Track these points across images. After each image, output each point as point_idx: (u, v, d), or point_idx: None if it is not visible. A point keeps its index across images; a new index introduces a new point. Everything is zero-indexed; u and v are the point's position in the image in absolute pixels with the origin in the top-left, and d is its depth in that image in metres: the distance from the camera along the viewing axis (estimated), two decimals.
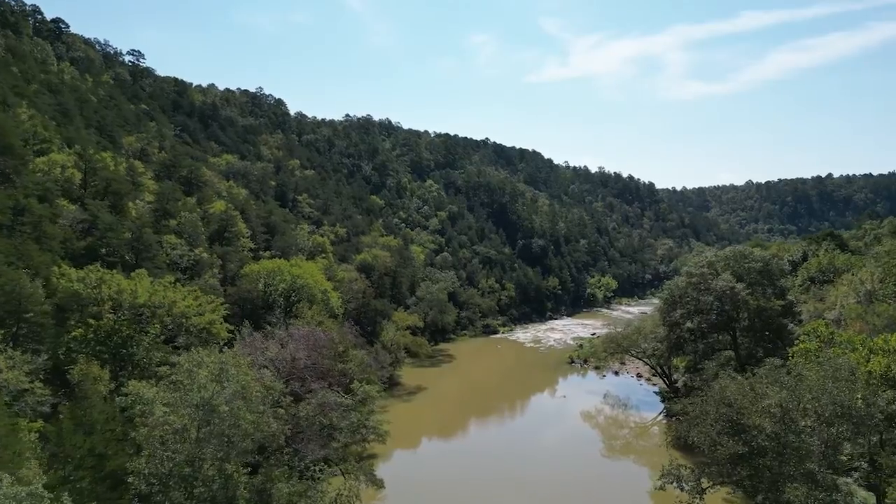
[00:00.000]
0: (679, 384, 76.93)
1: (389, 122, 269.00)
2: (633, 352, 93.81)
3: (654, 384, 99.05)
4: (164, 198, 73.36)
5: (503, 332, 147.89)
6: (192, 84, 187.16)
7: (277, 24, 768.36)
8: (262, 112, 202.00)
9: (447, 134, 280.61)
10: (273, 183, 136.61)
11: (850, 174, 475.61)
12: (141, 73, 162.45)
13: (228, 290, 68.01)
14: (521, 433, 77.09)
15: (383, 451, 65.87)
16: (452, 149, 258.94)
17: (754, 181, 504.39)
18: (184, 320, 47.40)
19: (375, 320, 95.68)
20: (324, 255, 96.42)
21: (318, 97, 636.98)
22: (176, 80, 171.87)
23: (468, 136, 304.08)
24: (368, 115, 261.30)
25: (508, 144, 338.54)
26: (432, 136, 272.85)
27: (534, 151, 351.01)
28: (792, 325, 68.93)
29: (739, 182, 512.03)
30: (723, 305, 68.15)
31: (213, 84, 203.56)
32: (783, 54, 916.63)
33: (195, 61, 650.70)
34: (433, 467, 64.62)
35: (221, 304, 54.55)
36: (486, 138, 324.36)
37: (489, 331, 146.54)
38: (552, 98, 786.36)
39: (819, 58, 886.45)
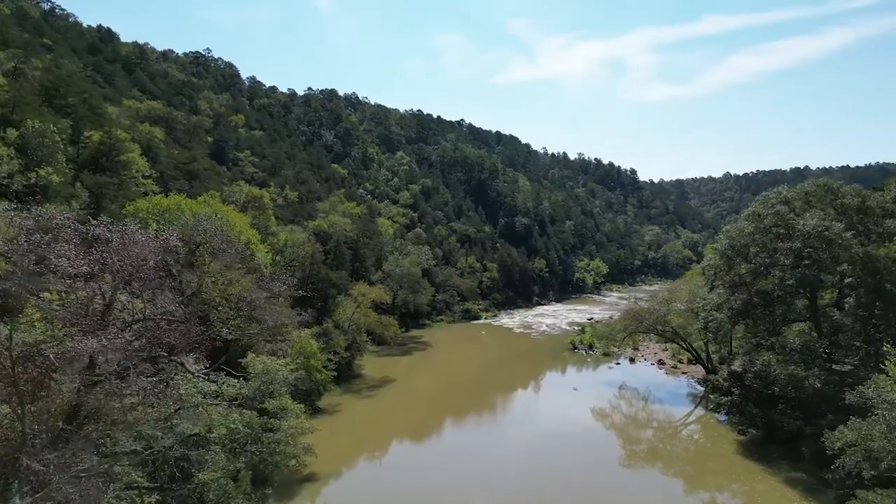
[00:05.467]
0: (738, 367, 56.51)
1: (356, 96, 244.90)
2: (659, 329, 73.70)
3: (685, 372, 78.88)
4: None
5: (486, 318, 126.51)
6: (126, 42, 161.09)
7: (241, 20, 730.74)
8: (208, 73, 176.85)
9: (420, 111, 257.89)
10: (209, 139, 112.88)
11: (828, 166, 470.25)
12: (55, 16, 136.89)
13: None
14: (516, 438, 55.75)
15: (329, 467, 44.43)
16: (425, 125, 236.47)
17: (732, 173, 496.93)
18: None
19: (328, 294, 73.34)
20: (258, 209, 73.37)
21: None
22: (101, 26, 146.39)
23: (442, 117, 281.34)
24: (333, 88, 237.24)
25: (485, 128, 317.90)
26: (403, 112, 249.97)
27: (511, 136, 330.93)
28: None
29: (717, 174, 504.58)
30: (816, 254, 47.53)
31: (150, 44, 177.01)
32: (745, 57, 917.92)
33: None
34: (399, 485, 43.15)
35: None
36: (462, 119, 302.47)
37: (470, 316, 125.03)
38: (520, 98, 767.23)
39: (780, 61, 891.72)
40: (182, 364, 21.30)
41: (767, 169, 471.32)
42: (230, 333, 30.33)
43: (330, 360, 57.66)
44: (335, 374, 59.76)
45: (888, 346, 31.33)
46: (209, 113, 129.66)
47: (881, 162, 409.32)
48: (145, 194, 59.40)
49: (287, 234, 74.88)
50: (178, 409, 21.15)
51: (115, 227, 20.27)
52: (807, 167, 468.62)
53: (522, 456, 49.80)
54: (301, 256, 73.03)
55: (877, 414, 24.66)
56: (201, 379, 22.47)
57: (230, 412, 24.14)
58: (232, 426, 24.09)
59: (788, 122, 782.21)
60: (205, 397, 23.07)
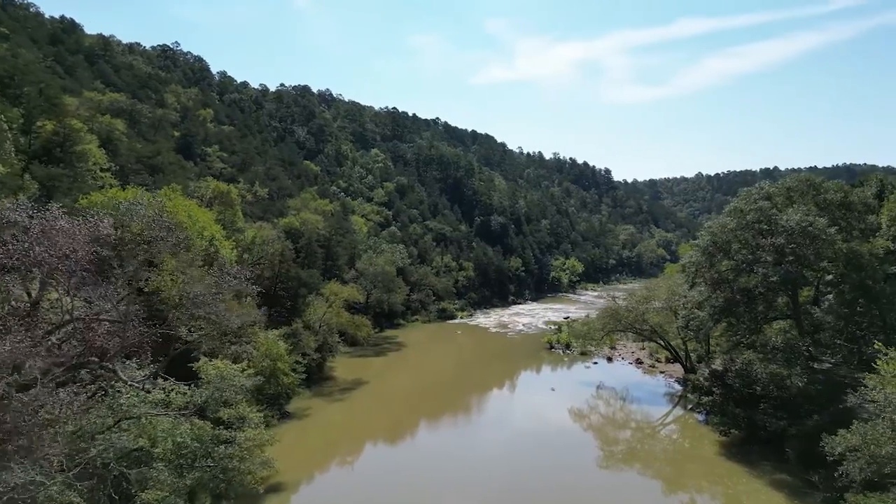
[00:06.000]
0: (718, 366, 55.37)
1: (330, 93, 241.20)
2: (637, 327, 72.58)
3: (663, 371, 77.94)
4: None
5: (462, 317, 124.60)
6: (90, 34, 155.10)
7: (216, 17, 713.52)
8: (176, 67, 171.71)
9: (395, 108, 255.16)
10: (176, 133, 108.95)
11: (796, 167, 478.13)
12: (14, 6, 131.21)
13: None
14: (493, 440, 53.85)
15: (297, 474, 42.22)
16: (400, 122, 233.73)
17: (704, 173, 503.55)
18: None
19: (298, 293, 70.59)
20: (225, 205, 70.30)
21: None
22: (63, 17, 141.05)
23: (417, 115, 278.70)
24: (306, 85, 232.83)
25: (461, 126, 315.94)
26: (377, 109, 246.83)
27: (486, 134, 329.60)
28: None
29: (690, 174, 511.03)
30: (800, 250, 46.54)
31: (115, 36, 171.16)
32: (719, 60, 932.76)
33: None
34: (373, 490, 41.00)
35: None
36: (437, 118, 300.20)
37: (446, 316, 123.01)
38: (497, 98, 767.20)
39: (753, 64, 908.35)
40: (114, 371, 18.74)
41: (738, 169, 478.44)
42: (191, 334, 27.88)
43: (298, 362, 55.13)
44: (305, 376, 57.27)
45: (879, 343, 30.16)
46: (176, 107, 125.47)
47: (848, 163, 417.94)
48: (102, 188, 56.10)
49: (255, 230, 71.97)
50: (119, 420, 18.66)
51: (36, 213, 17.70)
52: (776, 168, 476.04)
53: (499, 458, 48.01)
54: (270, 254, 70.21)
55: (883, 417, 23.18)
56: (137, 387, 19.85)
57: (179, 423, 21.58)
58: (179, 440, 21.52)
59: (759, 123, 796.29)
60: (154, 407, 20.55)
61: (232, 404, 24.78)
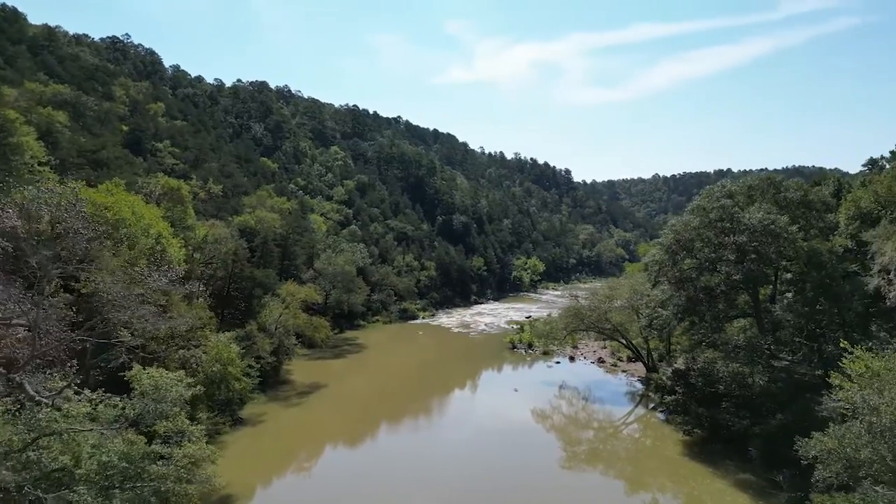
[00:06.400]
0: (681, 364, 55.23)
1: (289, 89, 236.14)
2: (599, 327, 72.35)
3: (625, 370, 77.87)
4: None
5: (424, 318, 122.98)
6: (34, 24, 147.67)
7: (170, 10, 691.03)
8: (126, 59, 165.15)
9: (356, 106, 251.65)
10: (125, 127, 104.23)
11: (748, 168, 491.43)
12: None
13: None
14: (455, 441, 52.60)
15: (251, 483, 40.23)
16: (361, 120, 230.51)
17: (661, 175, 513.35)
18: None
19: (252, 294, 67.85)
20: (172, 201, 66.94)
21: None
22: (4, 5, 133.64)
23: (378, 112, 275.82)
24: (264, 80, 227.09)
25: (423, 125, 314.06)
26: (337, 107, 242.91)
27: (448, 134, 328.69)
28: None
29: (647, 175, 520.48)
30: (762, 248, 46.50)
31: (62, 27, 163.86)
32: (673, 64, 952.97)
33: None
34: (332, 497, 39.18)
35: None
36: (399, 116, 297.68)
37: (407, 316, 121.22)
38: (458, 98, 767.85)
39: (705, 68, 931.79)
40: (20, 384, 16.50)
41: (693, 171, 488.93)
42: (134, 339, 25.53)
43: (251, 366, 52.66)
44: (260, 380, 54.83)
45: (845, 342, 29.83)
46: (125, 101, 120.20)
47: (797, 165, 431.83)
48: (39, 182, 52.47)
49: (207, 228, 68.91)
50: (36, 438, 16.46)
51: None
52: (729, 169, 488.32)
53: (462, 458, 46.84)
54: (223, 253, 67.30)
55: (861, 420, 22.52)
56: (46, 402, 17.55)
57: (109, 439, 19.21)
58: (104, 459, 19.16)
59: (713, 126, 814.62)
60: (81, 421, 18.24)
61: (169, 417, 22.58)
